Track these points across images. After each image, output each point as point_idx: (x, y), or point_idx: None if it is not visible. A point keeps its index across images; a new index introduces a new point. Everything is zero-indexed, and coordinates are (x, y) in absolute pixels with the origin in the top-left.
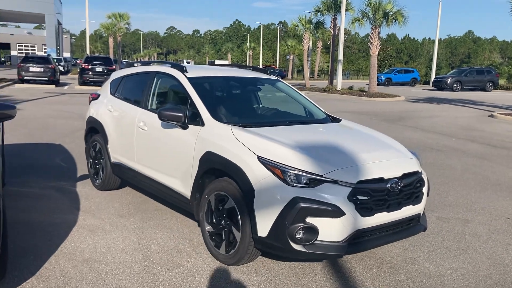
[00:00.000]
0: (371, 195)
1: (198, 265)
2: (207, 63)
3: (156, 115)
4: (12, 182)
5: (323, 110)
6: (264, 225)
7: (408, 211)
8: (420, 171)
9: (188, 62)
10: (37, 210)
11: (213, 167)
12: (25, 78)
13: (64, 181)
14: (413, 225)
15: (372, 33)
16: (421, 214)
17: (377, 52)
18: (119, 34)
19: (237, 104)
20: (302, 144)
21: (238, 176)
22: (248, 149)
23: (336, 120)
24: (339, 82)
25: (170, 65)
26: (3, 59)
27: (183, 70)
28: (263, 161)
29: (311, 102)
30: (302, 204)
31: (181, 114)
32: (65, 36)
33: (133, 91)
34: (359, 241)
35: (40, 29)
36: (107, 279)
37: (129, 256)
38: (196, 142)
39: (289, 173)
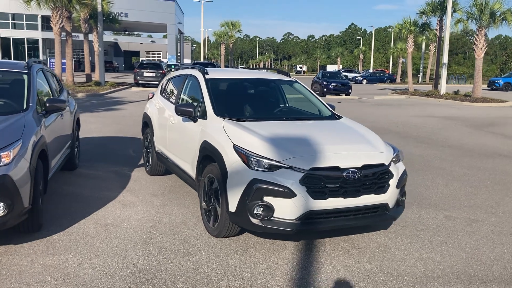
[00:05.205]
0: (324, 181)
1: (190, 235)
2: (318, 69)
3: None
4: (83, 165)
5: (330, 109)
6: (233, 202)
7: (369, 199)
8: (387, 164)
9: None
10: (91, 187)
11: (207, 154)
12: (140, 82)
13: (125, 166)
14: (380, 213)
15: (478, 35)
16: (391, 204)
17: (482, 55)
18: (230, 41)
19: (242, 101)
20: (276, 136)
21: (219, 161)
22: (229, 138)
23: (338, 118)
24: (443, 86)
25: (197, 68)
26: (134, 65)
27: (204, 72)
28: (236, 148)
29: (321, 102)
30: (259, 185)
31: (191, 110)
32: (186, 44)
33: (171, 91)
34: (313, 221)
35: (166, 38)
36: (113, 238)
37: (141, 225)
38: (200, 133)
39: (252, 159)
